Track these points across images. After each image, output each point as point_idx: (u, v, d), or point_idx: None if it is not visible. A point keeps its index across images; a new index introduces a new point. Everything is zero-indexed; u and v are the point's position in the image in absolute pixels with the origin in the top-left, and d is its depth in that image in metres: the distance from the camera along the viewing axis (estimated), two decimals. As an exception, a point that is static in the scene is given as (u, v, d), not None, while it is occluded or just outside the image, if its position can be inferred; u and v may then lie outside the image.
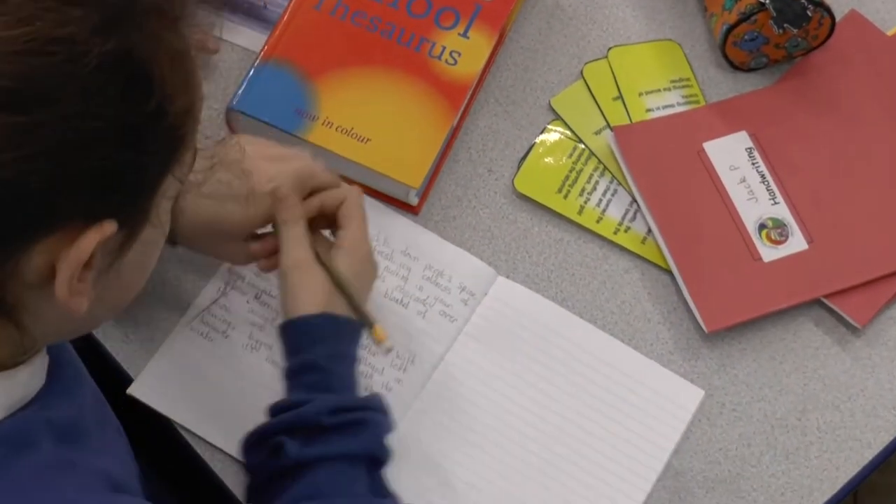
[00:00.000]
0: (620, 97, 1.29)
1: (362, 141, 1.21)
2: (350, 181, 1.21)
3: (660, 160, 1.25)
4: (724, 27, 1.27)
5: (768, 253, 1.21)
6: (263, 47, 1.26)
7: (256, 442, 1.01)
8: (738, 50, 1.29)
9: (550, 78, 1.31)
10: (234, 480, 1.11)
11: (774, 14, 1.24)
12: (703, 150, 1.26)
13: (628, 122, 1.28)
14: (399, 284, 1.19)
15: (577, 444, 1.13)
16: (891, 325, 1.21)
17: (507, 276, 1.21)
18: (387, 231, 1.20)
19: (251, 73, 1.24)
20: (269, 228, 1.09)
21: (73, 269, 0.69)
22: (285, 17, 1.27)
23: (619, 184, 1.25)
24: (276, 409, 1.01)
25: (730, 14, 1.27)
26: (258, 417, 1.11)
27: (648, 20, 1.35)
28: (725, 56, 1.30)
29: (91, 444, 0.82)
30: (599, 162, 1.26)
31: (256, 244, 1.09)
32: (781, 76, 1.31)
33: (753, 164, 1.25)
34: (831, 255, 1.21)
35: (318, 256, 1.06)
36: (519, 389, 1.15)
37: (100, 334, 1.15)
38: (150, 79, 0.68)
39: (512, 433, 1.14)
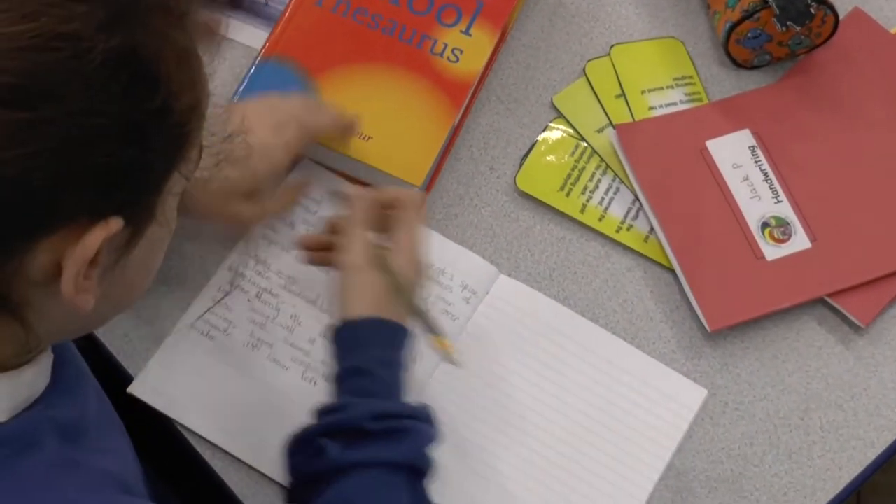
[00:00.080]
0: (623, 95, 1.29)
1: (364, 139, 1.21)
2: (352, 180, 1.21)
3: (662, 158, 1.25)
4: (728, 25, 1.27)
5: (771, 251, 1.21)
6: (265, 44, 1.25)
7: (299, 444, 1.01)
8: (741, 48, 1.29)
9: (553, 75, 1.31)
10: (234, 479, 1.11)
11: (778, 12, 1.23)
12: (705, 148, 1.25)
13: (631, 120, 1.28)
14: (401, 283, 1.19)
15: (578, 442, 1.13)
16: (894, 325, 1.20)
17: (509, 275, 1.20)
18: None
19: (252, 70, 1.23)
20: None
21: (80, 266, 0.69)
22: (286, 13, 1.27)
23: (622, 182, 1.25)
24: (320, 412, 1.01)
25: (733, 11, 1.27)
26: (259, 417, 1.12)
27: (651, 17, 1.34)
28: (728, 54, 1.30)
29: (95, 444, 0.82)
30: (602, 160, 1.26)
31: (308, 238, 1.13)
32: (784, 74, 1.31)
33: (756, 162, 1.25)
34: (834, 254, 1.20)
35: (377, 259, 1.05)
36: (520, 388, 1.15)
37: (100, 333, 1.15)
38: (156, 76, 0.68)
39: (513, 432, 1.13)
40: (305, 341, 1.16)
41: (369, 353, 1.02)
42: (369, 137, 1.21)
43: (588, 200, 1.24)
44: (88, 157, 0.66)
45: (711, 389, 1.16)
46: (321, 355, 1.15)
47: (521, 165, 1.25)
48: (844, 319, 1.20)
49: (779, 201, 1.23)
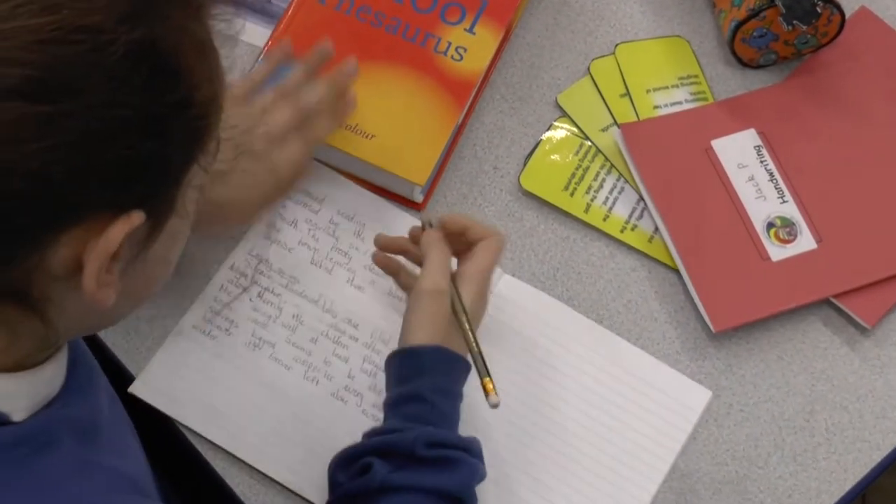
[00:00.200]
0: (628, 94, 1.28)
1: (367, 137, 1.20)
2: (354, 178, 1.21)
3: (667, 158, 1.24)
4: (733, 23, 1.27)
5: (776, 252, 1.20)
6: (268, 42, 1.25)
7: (346, 459, 1.02)
8: (747, 47, 1.28)
9: (557, 74, 1.30)
10: (235, 480, 1.11)
11: (784, 10, 1.23)
12: (711, 147, 1.25)
13: (635, 119, 1.27)
14: (403, 282, 1.18)
15: (581, 443, 1.13)
16: (900, 326, 1.20)
17: (513, 275, 1.20)
18: (391, 228, 1.19)
19: (255, 68, 1.23)
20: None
21: (102, 260, 0.69)
22: (290, 11, 1.27)
23: (626, 182, 1.24)
24: (370, 434, 1.02)
25: (739, 10, 1.26)
26: (261, 417, 1.11)
27: (656, 16, 1.34)
28: (734, 53, 1.29)
29: (109, 445, 0.82)
30: (606, 159, 1.25)
31: (387, 240, 1.14)
32: (790, 73, 1.30)
33: (762, 161, 1.24)
34: (840, 255, 1.20)
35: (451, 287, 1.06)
36: (523, 388, 1.15)
37: (101, 332, 1.14)
38: (176, 68, 0.68)
39: (516, 432, 1.13)
40: (307, 341, 1.15)
41: (429, 380, 1.03)
42: (372, 136, 1.20)
43: (592, 200, 1.23)
44: (109, 151, 0.66)
45: (716, 391, 1.16)
46: (323, 355, 1.15)
47: (524, 165, 1.25)
48: (850, 321, 1.19)
49: (784, 201, 1.22)
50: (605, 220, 1.23)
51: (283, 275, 1.18)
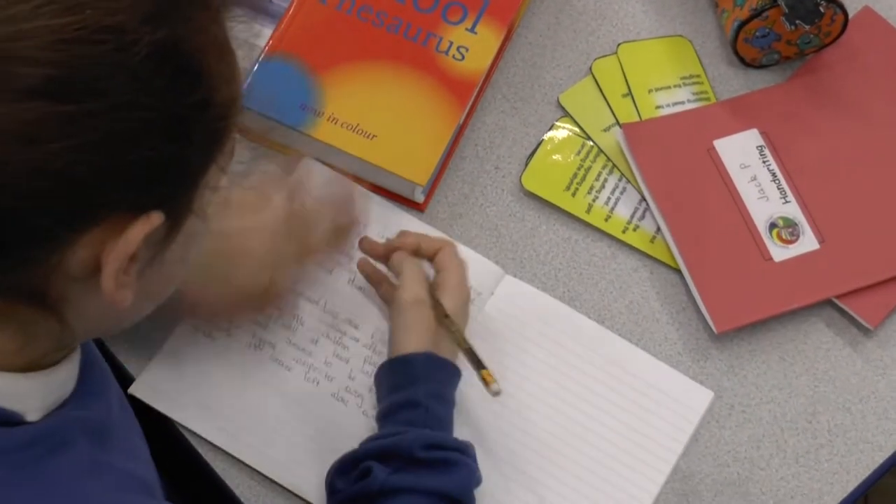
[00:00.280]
0: (630, 94, 1.28)
1: (368, 137, 1.20)
2: (354, 178, 1.21)
3: (669, 158, 1.24)
4: (736, 23, 1.26)
5: (779, 252, 1.20)
6: (268, 42, 1.25)
7: (344, 466, 1.03)
8: (750, 46, 1.28)
9: (559, 74, 1.30)
10: (236, 481, 1.11)
11: (786, 10, 1.22)
12: (713, 147, 1.25)
13: (637, 119, 1.27)
14: (404, 283, 1.18)
15: (583, 444, 1.13)
16: (903, 327, 1.20)
17: (514, 275, 1.20)
18: (392, 229, 1.19)
19: (255, 67, 1.22)
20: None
21: (121, 260, 0.69)
22: (290, 11, 1.26)
23: (628, 182, 1.24)
24: (367, 441, 1.04)
25: (741, 10, 1.26)
26: (261, 418, 1.11)
27: (659, 16, 1.33)
28: (736, 52, 1.29)
29: (120, 447, 0.82)
30: (608, 159, 1.25)
31: (369, 241, 1.15)
32: (793, 73, 1.30)
33: (764, 162, 1.24)
34: (843, 255, 1.20)
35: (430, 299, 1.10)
36: (524, 389, 1.14)
37: (101, 332, 1.14)
38: (197, 69, 0.68)
39: (517, 433, 1.13)
40: (308, 342, 1.15)
41: (423, 387, 1.05)
42: (373, 136, 1.20)
43: (594, 200, 1.23)
44: (132, 151, 0.66)
45: (718, 392, 1.16)
46: (323, 356, 1.15)
47: (526, 165, 1.25)
48: (853, 321, 1.19)
49: (787, 202, 1.22)
50: (606, 220, 1.22)
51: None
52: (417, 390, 1.05)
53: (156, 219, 0.69)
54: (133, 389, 1.12)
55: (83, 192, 0.66)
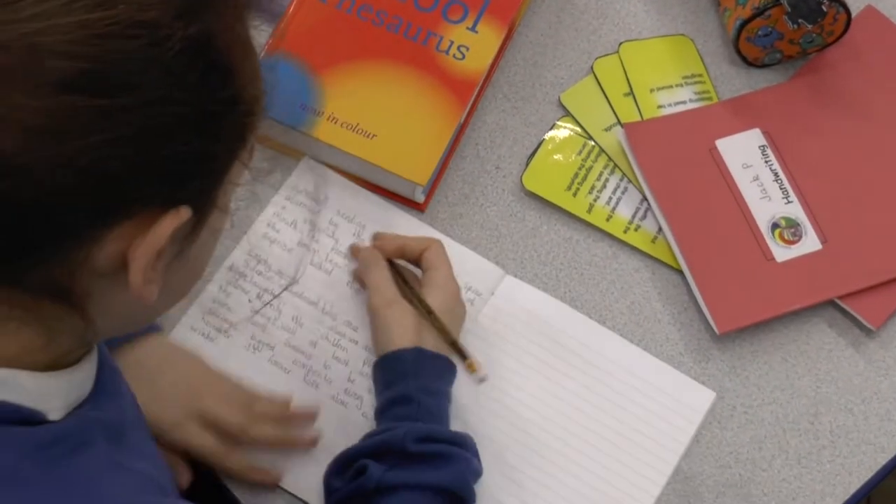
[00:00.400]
0: (631, 93, 1.28)
1: (368, 137, 1.20)
2: (355, 178, 1.20)
3: (671, 158, 1.24)
4: (738, 22, 1.26)
5: (781, 253, 1.19)
6: (268, 41, 1.24)
7: (341, 465, 1.04)
8: (752, 45, 1.27)
9: (560, 73, 1.29)
10: (235, 483, 1.10)
11: (789, 9, 1.22)
12: (715, 147, 1.24)
13: (639, 118, 1.26)
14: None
15: (584, 445, 1.12)
16: (906, 328, 1.19)
17: (515, 276, 1.19)
18: (392, 229, 1.19)
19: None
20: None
21: (150, 255, 0.69)
22: (290, 10, 1.26)
23: (630, 182, 1.24)
24: (363, 438, 1.04)
25: (743, 9, 1.25)
26: (260, 419, 1.10)
27: (660, 15, 1.33)
28: (739, 52, 1.28)
29: (135, 448, 0.82)
30: (609, 159, 1.25)
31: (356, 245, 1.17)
32: (795, 72, 1.30)
33: (766, 162, 1.23)
34: (845, 256, 1.19)
35: (405, 294, 1.11)
36: (525, 390, 1.14)
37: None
38: (227, 65, 0.68)
39: (518, 434, 1.13)
40: (307, 344, 1.15)
41: (412, 382, 1.06)
42: (373, 135, 1.20)
43: (595, 200, 1.23)
44: (165, 146, 0.66)
45: (719, 392, 1.15)
46: (323, 358, 1.14)
47: (527, 164, 1.24)
48: (855, 322, 1.19)
49: (789, 202, 1.21)
50: (608, 220, 1.22)
51: (282, 276, 1.17)
52: (408, 385, 1.05)
53: (184, 213, 0.69)
54: (132, 390, 1.12)
55: (116, 187, 0.66)
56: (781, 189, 1.22)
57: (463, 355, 1.11)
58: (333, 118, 1.20)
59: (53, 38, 0.62)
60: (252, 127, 0.73)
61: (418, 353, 1.07)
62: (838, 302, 1.19)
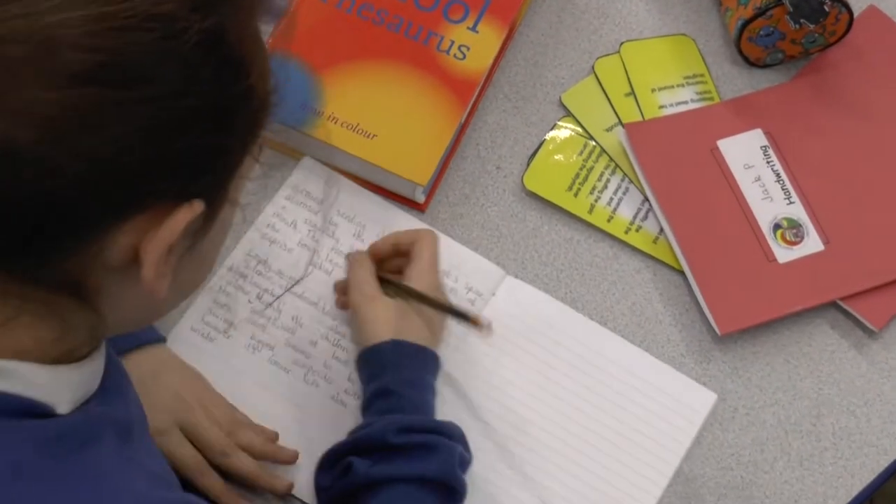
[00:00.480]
0: (633, 93, 1.27)
1: (368, 137, 1.19)
2: (355, 178, 1.20)
3: (672, 158, 1.23)
4: (740, 22, 1.25)
5: (783, 254, 1.19)
6: (268, 40, 1.23)
7: (327, 463, 1.03)
8: (754, 45, 1.27)
9: (561, 73, 1.29)
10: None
11: (791, 9, 1.22)
12: (716, 147, 1.24)
13: (640, 118, 1.26)
14: (405, 284, 1.18)
15: (585, 447, 1.12)
16: (908, 329, 1.19)
17: (516, 276, 1.19)
18: (392, 229, 1.18)
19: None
20: None
21: (163, 249, 0.69)
22: (290, 9, 1.25)
23: (631, 182, 1.23)
24: (349, 434, 1.04)
25: (745, 9, 1.25)
26: (259, 420, 1.10)
27: (662, 14, 1.33)
28: (740, 52, 1.28)
29: (141, 445, 0.82)
30: (611, 160, 1.24)
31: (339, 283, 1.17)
32: (797, 72, 1.29)
33: (768, 162, 1.23)
34: (848, 257, 1.19)
35: (387, 291, 1.10)
36: (526, 391, 1.14)
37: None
38: (241, 60, 0.68)
39: (519, 435, 1.12)
40: (307, 343, 1.14)
41: (394, 374, 1.05)
42: (374, 135, 1.19)
43: (596, 201, 1.22)
44: (180, 139, 0.66)
45: (721, 394, 1.15)
46: (322, 358, 1.14)
47: (528, 165, 1.24)
48: (857, 323, 1.19)
49: (791, 202, 1.21)
50: (609, 220, 1.22)
51: (282, 276, 1.17)
52: (388, 378, 1.05)
53: (197, 207, 0.69)
54: (131, 391, 1.12)
55: (130, 180, 0.66)
56: (783, 190, 1.22)
57: (464, 316, 1.09)
58: (334, 118, 1.20)
59: (70, 30, 0.62)
60: (264, 122, 0.73)
61: (397, 346, 1.06)
62: (841, 303, 1.18)
